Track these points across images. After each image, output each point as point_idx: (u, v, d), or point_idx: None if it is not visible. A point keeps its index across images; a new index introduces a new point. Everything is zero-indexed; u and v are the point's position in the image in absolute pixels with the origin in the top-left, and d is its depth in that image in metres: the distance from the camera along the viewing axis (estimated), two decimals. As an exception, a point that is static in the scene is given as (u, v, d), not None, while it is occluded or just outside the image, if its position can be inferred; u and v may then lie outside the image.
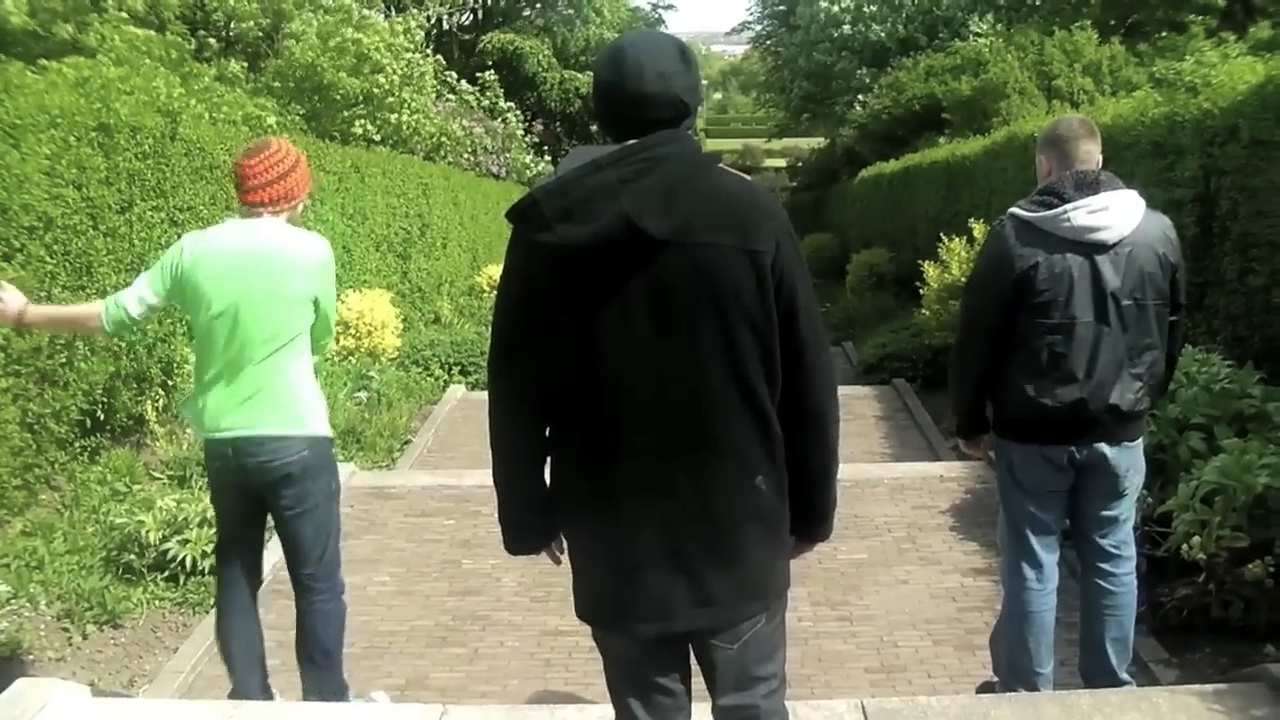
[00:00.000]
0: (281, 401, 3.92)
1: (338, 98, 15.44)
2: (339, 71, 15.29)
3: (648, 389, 2.45)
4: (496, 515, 2.75)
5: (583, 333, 2.42)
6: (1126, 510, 4.05)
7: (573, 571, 2.71)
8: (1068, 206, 3.70)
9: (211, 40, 14.80)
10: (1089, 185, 3.73)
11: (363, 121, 15.64)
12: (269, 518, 4.18)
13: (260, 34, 15.66)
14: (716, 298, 2.40)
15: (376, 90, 15.91)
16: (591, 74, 2.55)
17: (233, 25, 15.61)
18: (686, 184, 2.39)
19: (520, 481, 2.69)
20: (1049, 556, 4.03)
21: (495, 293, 2.58)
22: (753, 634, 2.69)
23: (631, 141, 2.38)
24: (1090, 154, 3.85)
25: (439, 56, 19.58)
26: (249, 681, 4.17)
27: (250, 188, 3.92)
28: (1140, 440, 3.98)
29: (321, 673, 4.16)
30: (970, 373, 4.00)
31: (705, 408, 2.47)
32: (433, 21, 18.72)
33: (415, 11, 18.60)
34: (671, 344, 2.42)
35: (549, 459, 2.64)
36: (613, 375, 2.44)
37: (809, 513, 2.70)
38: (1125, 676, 4.08)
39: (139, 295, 3.96)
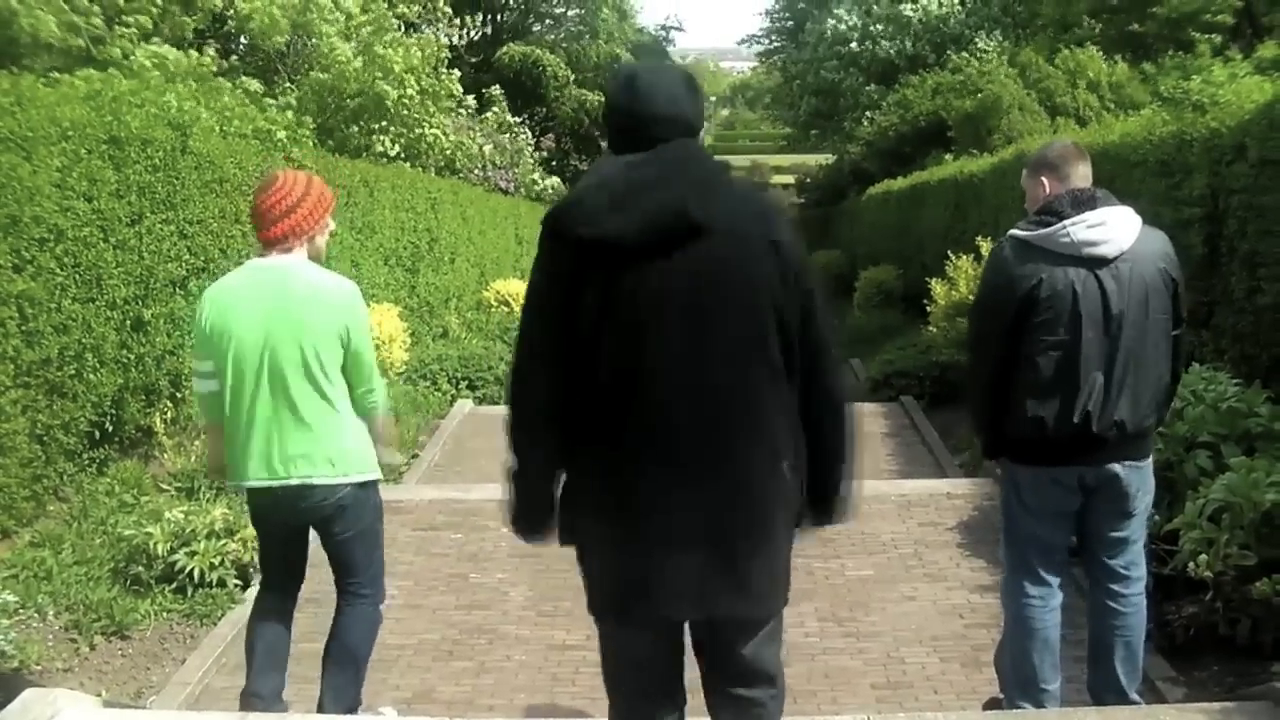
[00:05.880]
0: (329, 448, 3.92)
1: (354, 105, 15.49)
2: (375, 80, 15.39)
3: (688, 373, 2.58)
4: (509, 511, 2.86)
5: (623, 322, 2.55)
6: (1136, 531, 4.03)
7: (591, 569, 2.79)
8: (1066, 222, 3.73)
9: (227, 60, 14.84)
10: (1085, 202, 3.77)
11: (381, 137, 15.71)
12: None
13: (283, 49, 15.69)
14: (750, 284, 2.59)
15: (406, 102, 16.00)
16: (604, 95, 2.78)
17: (246, 37, 15.66)
18: (715, 180, 2.63)
19: (543, 482, 2.80)
20: (1053, 576, 4.02)
21: (524, 301, 2.71)
22: (770, 629, 2.86)
23: (656, 148, 2.57)
24: (1085, 175, 3.91)
25: (456, 70, 19.66)
26: (265, 681, 4.15)
27: (263, 224, 3.92)
28: (1150, 459, 3.98)
29: (345, 679, 4.15)
30: (984, 397, 3.99)
31: (743, 390, 2.63)
32: (443, 41, 18.77)
33: (434, 32, 18.67)
34: (711, 328, 2.57)
35: (574, 462, 2.75)
36: (654, 361, 2.57)
37: (831, 490, 2.86)
38: (1134, 696, 4.06)
39: (194, 371, 4.06)
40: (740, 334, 2.61)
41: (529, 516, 2.84)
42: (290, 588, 4.25)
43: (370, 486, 4.11)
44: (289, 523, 4.08)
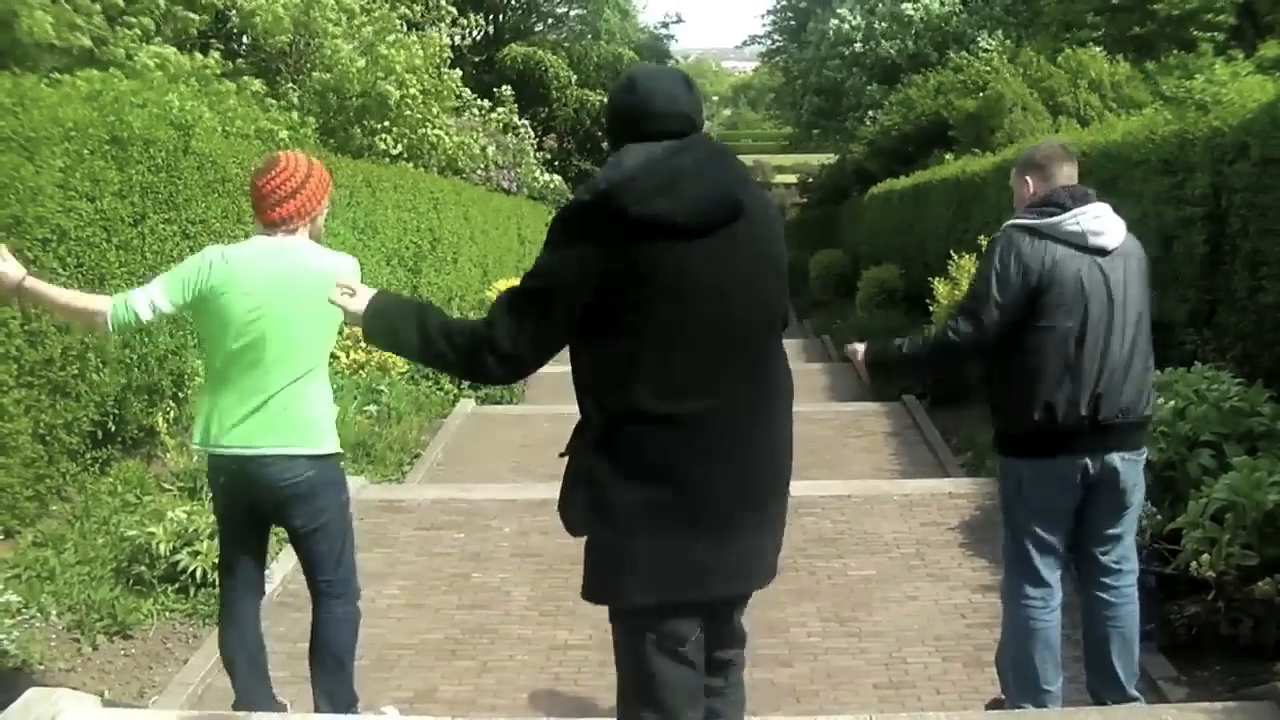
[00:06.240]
0: (291, 421, 3.89)
1: (356, 105, 15.49)
2: (378, 81, 15.40)
3: (740, 346, 2.73)
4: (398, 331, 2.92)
5: (677, 297, 2.63)
6: (1129, 526, 4.09)
7: (636, 552, 2.70)
8: (1074, 211, 3.84)
9: (233, 63, 14.82)
10: (1080, 197, 3.90)
11: (384, 137, 15.70)
12: (272, 530, 4.19)
13: (285, 48, 15.67)
14: (775, 262, 2.84)
15: (409, 102, 16.00)
16: (606, 97, 2.98)
17: (249, 36, 15.65)
18: (741, 168, 2.84)
19: (435, 353, 2.86)
20: (1053, 575, 4.04)
21: (534, 270, 2.74)
22: None
23: (681, 139, 2.72)
24: (1070, 175, 4.01)
25: (458, 70, 19.66)
26: (253, 692, 4.17)
27: (266, 206, 3.90)
28: (1144, 452, 4.03)
29: (334, 681, 4.15)
30: (966, 371, 4.09)
31: (778, 363, 2.84)
32: (446, 41, 18.74)
33: (437, 31, 18.68)
34: (754, 301, 2.75)
35: (609, 445, 2.72)
36: (711, 335, 2.67)
37: None
38: (1134, 693, 4.07)
39: (151, 301, 3.87)
40: (772, 310, 2.84)
41: (398, 339, 2.92)
42: (255, 582, 4.20)
43: (329, 471, 4.04)
44: (246, 500, 3.99)
